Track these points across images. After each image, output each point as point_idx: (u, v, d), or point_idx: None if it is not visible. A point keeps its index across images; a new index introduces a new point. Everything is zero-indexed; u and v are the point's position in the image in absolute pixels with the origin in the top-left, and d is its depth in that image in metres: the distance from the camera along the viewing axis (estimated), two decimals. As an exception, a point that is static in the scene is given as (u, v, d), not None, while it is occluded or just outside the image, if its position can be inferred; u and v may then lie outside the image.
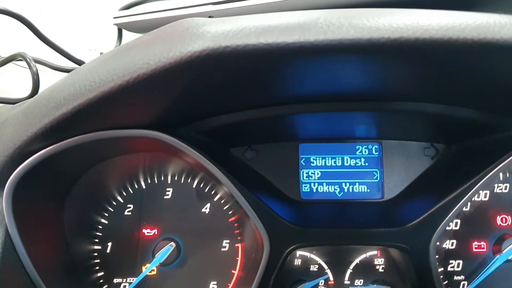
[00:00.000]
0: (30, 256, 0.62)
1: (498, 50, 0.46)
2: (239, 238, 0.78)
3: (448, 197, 0.68)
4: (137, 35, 1.04)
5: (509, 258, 0.72)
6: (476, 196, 0.78)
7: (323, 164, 0.83)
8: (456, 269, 0.77)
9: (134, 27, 1.00)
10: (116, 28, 1.09)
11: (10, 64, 1.02)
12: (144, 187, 0.79)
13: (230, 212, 0.79)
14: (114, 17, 0.96)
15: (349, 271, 0.78)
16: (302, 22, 0.47)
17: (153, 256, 0.74)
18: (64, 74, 0.93)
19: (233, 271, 0.77)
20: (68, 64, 1.02)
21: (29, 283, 0.63)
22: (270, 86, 0.58)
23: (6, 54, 1.00)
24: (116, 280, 0.77)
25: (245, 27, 0.47)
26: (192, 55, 0.46)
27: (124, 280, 0.77)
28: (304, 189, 0.83)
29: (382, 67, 0.51)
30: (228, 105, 0.67)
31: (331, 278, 0.78)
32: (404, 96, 0.65)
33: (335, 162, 0.83)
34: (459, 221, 0.78)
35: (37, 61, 0.94)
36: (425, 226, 0.68)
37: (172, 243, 0.75)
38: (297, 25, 0.46)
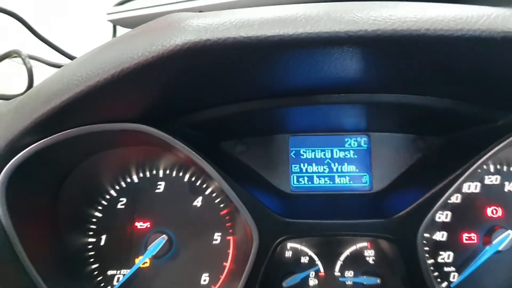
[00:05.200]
0: (24, 249, 0.64)
1: (476, 41, 0.46)
2: (230, 231, 0.79)
3: (435, 188, 0.68)
4: (132, 31, 1.05)
5: (499, 249, 0.72)
6: (467, 187, 0.79)
7: (313, 156, 0.84)
8: (446, 260, 0.78)
9: (128, 23, 1.00)
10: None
11: (8, 60, 1.04)
12: (136, 181, 0.81)
13: (221, 205, 0.80)
14: (108, 13, 0.97)
15: (339, 263, 0.79)
16: (282, 16, 0.48)
17: (146, 249, 0.75)
18: (59, 70, 0.95)
19: (224, 264, 0.78)
20: (64, 60, 1.03)
21: (24, 275, 0.64)
22: (255, 79, 0.59)
23: (2, 51, 1.02)
24: (110, 272, 0.78)
25: (226, 21, 0.48)
26: (174, 49, 0.47)
27: (118, 272, 0.78)
28: (294, 181, 0.84)
29: (363, 59, 0.52)
30: (215, 99, 0.67)
31: (322, 270, 0.79)
32: (390, 88, 0.66)
33: (324, 155, 0.84)
34: (449, 212, 0.78)
35: (32, 58, 0.95)
36: (412, 217, 0.69)
37: (164, 235, 0.76)
38: (277, 19, 0.47)
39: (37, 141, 0.61)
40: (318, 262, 0.79)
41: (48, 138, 0.61)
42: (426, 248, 0.77)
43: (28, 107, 0.58)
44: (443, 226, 0.78)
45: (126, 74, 0.50)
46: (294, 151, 0.84)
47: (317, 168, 0.84)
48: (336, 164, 0.84)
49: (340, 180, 0.84)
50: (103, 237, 0.79)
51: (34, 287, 0.65)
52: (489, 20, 0.46)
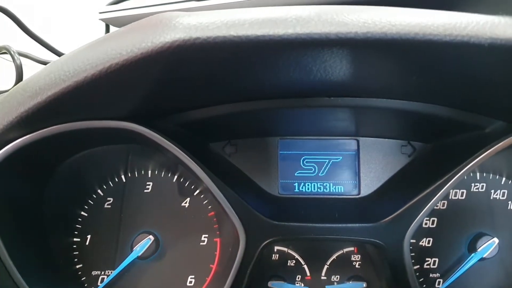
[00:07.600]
0: (7, 247, 0.63)
1: (464, 47, 0.46)
2: (218, 232, 0.79)
3: (422, 194, 0.68)
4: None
5: (484, 256, 0.73)
6: (453, 195, 0.79)
7: (301, 160, 0.84)
8: (432, 266, 0.78)
9: (121, 22, 1.00)
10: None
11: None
12: (124, 180, 0.80)
13: (209, 207, 0.79)
14: (100, 12, 0.96)
15: (326, 267, 0.79)
16: (273, 17, 0.48)
17: (132, 249, 0.75)
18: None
19: (211, 265, 0.78)
20: (54, 58, 1.02)
21: (6, 275, 0.63)
22: (244, 80, 0.59)
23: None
24: (94, 273, 0.78)
25: (216, 19, 0.48)
26: (163, 46, 0.47)
27: (103, 272, 0.78)
28: (282, 184, 0.84)
29: (353, 62, 0.52)
30: (204, 99, 0.67)
31: (308, 273, 0.79)
32: (379, 93, 0.66)
33: (313, 158, 0.84)
34: (436, 219, 0.79)
35: (22, 54, 0.94)
36: (399, 222, 0.69)
37: (151, 236, 0.75)
38: (268, 19, 0.47)
39: (22, 137, 0.60)
40: (305, 266, 0.79)
41: (33, 133, 0.60)
42: (412, 254, 0.77)
43: (14, 101, 0.57)
44: (429, 232, 0.78)
45: (114, 70, 0.49)
46: (282, 154, 0.84)
47: (306, 172, 0.84)
48: (325, 168, 0.84)
49: (328, 184, 0.84)
50: (88, 237, 0.78)
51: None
52: (477, 26, 0.46)
